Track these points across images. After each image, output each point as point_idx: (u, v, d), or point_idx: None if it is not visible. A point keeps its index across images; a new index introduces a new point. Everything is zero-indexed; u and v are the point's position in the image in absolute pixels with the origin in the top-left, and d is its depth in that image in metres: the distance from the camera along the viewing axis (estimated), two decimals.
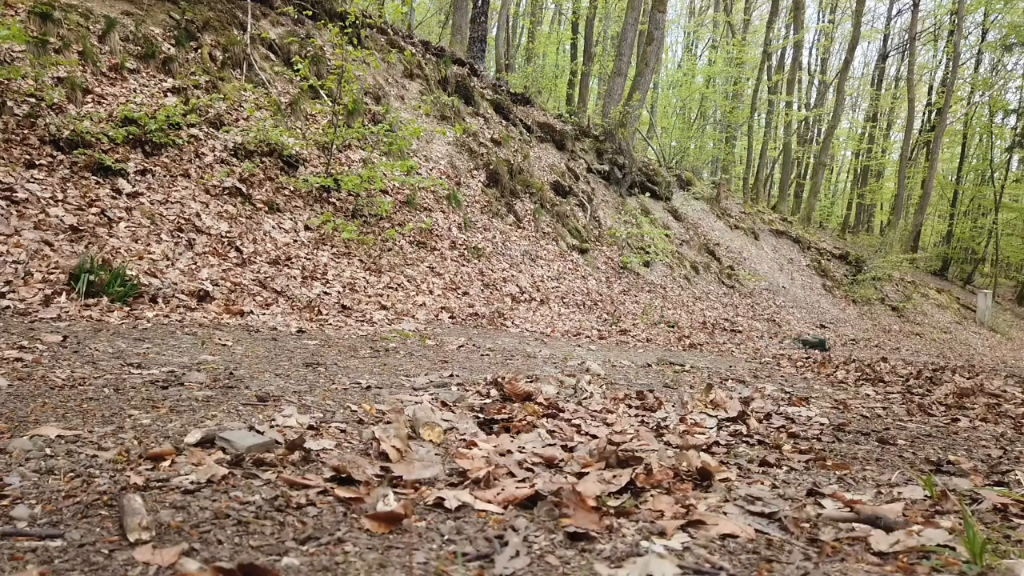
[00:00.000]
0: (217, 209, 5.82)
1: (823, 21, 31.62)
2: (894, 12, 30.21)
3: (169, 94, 6.61)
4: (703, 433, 2.12)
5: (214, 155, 6.36)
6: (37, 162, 4.93)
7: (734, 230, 16.38)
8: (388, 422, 1.87)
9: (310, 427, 1.80)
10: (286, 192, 6.72)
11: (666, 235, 12.82)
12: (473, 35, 13.62)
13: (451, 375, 3.03)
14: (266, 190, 6.52)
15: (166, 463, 1.39)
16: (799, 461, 1.82)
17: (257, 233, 5.94)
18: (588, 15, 20.96)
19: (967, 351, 13.76)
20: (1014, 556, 1.15)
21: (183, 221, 5.40)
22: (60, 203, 4.75)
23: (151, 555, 0.98)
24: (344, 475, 1.38)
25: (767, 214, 19.82)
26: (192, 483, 1.29)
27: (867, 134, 31.53)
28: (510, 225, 9.58)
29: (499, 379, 2.69)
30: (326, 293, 5.66)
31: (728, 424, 2.31)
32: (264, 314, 4.63)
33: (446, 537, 1.14)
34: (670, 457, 1.69)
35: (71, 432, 1.54)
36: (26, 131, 5.12)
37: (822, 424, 2.45)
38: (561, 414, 2.26)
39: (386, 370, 3.03)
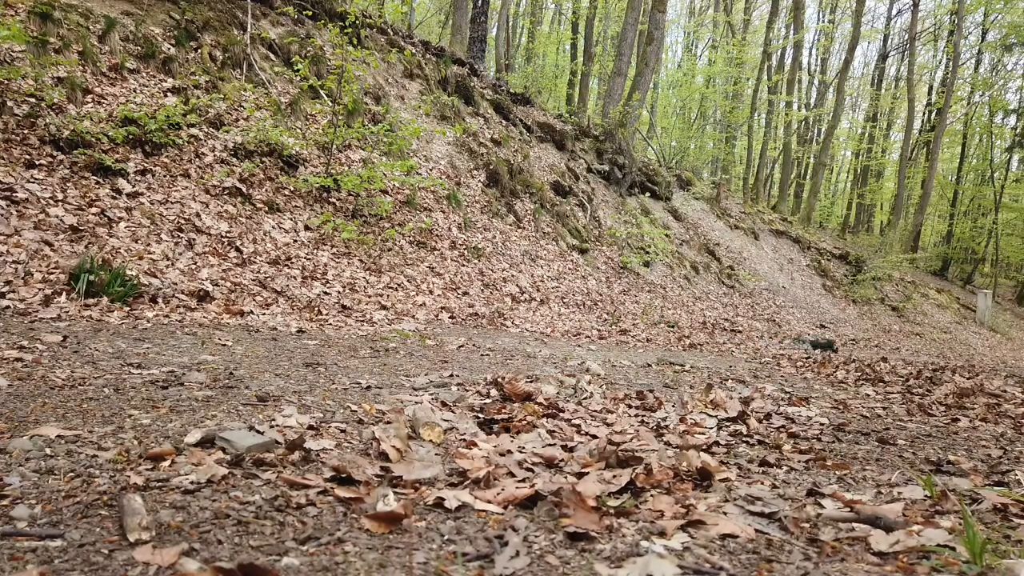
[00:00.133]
0: (217, 209, 5.82)
1: (823, 21, 31.63)
2: (894, 12, 30.24)
3: (169, 94, 6.61)
4: (703, 433, 2.12)
5: (214, 155, 6.36)
6: (37, 162, 4.93)
7: (734, 230, 16.38)
8: (388, 422, 1.87)
9: (310, 427, 1.80)
10: (286, 192, 6.72)
11: (666, 235, 12.82)
12: (473, 35, 13.62)
13: (451, 375, 3.03)
14: (266, 190, 6.52)
15: (166, 463, 1.39)
16: (799, 461, 1.82)
17: (257, 233, 5.94)
18: (588, 15, 20.96)
19: (967, 351, 13.76)
20: (1014, 556, 1.15)
21: (183, 221, 5.40)
22: (60, 203, 4.75)
23: (151, 555, 0.98)
24: (344, 475, 1.38)
25: (767, 214, 19.82)
26: (192, 483, 1.29)
27: (867, 134, 31.53)
28: (510, 225, 9.58)
29: (499, 379, 2.69)
30: (326, 293, 5.66)
31: (728, 424, 2.31)
32: (264, 314, 4.63)
33: (446, 537, 1.14)
34: (670, 457, 1.69)
35: (71, 432, 1.54)
36: (26, 131, 5.12)
37: (822, 424, 2.45)
38: (561, 414, 2.26)
39: (386, 370, 3.03)
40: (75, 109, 5.65)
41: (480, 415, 2.14)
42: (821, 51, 30.93)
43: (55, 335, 2.92)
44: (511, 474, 1.51)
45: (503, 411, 2.19)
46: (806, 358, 6.05)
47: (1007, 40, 24.88)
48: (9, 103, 5.17)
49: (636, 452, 1.73)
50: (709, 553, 1.11)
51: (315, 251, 6.27)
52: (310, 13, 8.93)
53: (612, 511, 1.28)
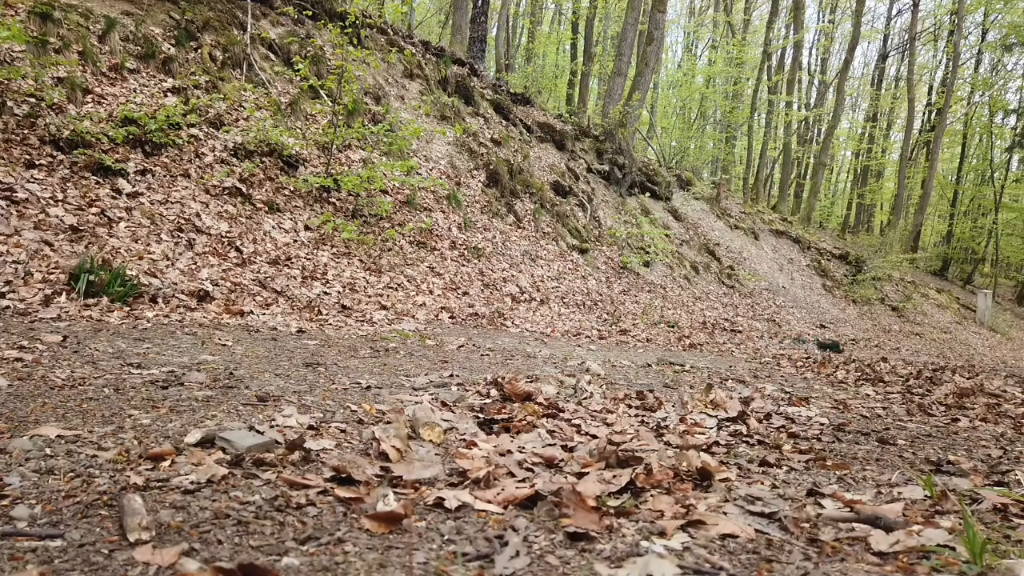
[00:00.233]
0: (217, 209, 5.82)
1: (823, 21, 31.62)
2: (894, 12, 30.25)
3: (169, 94, 6.61)
4: (703, 433, 2.12)
5: (214, 155, 6.36)
6: (37, 162, 4.93)
7: (734, 230, 16.38)
8: (388, 422, 1.87)
9: (310, 427, 1.80)
10: (286, 192, 6.72)
11: (666, 235, 12.82)
12: (473, 35, 13.62)
13: (451, 375, 3.03)
14: (266, 190, 6.52)
15: (166, 463, 1.39)
16: (799, 461, 1.82)
17: (257, 233, 5.94)
18: (588, 15, 20.96)
19: (967, 351, 13.76)
20: (1014, 556, 1.15)
21: (183, 221, 5.40)
22: (60, 203, 4.75)
23: (151, 555, 0.98)
24: (344, 475, 1.38)
25: (767, 214, 19.82)
26: (192, 483, 1.29)
27: (867, 134, 31.53)
28: (510, 225, 9.58)
29: (499, 379, 2.69)
30: (326, 293, 5.66)
31: (728, 424, 2.31)
32: (264, 314, 4.63)
33: (446, 537, 1.14)
34: (670, 457, 1.69)
35: (71, 432, 1.54)
36: (26, 131, 5.12)
37: (822, 424, 2.45)
38: (561, 414, 2.26)
39: (386, 370, 3.03)
40: (75, 109, 5.65)
41: (480, 415, 2.14)
42: (821, 51, 30.94)
43: (55, 335, 2.92)
44: (511, 474, 1.51)
45: (503, 411, 2.19)
46: (806, 358, 6.05)
47: (1007, 40, 24.88)
48: (9, 103, 5.17)
49: (636, 452, 1.73)
50: (709, 553, 1.11)
51: (315, 251, 6.27)
52: (310, 13, 8.93)
53: (612, 511, 1.28)
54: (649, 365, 4.29)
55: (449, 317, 6.10)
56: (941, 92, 26.53)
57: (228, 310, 4.47)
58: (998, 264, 28.94)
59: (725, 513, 1.31)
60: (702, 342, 7.09)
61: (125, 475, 1.30)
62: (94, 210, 4.89)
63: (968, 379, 4.79)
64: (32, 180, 4.75)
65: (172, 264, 4.87)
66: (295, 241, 6.22)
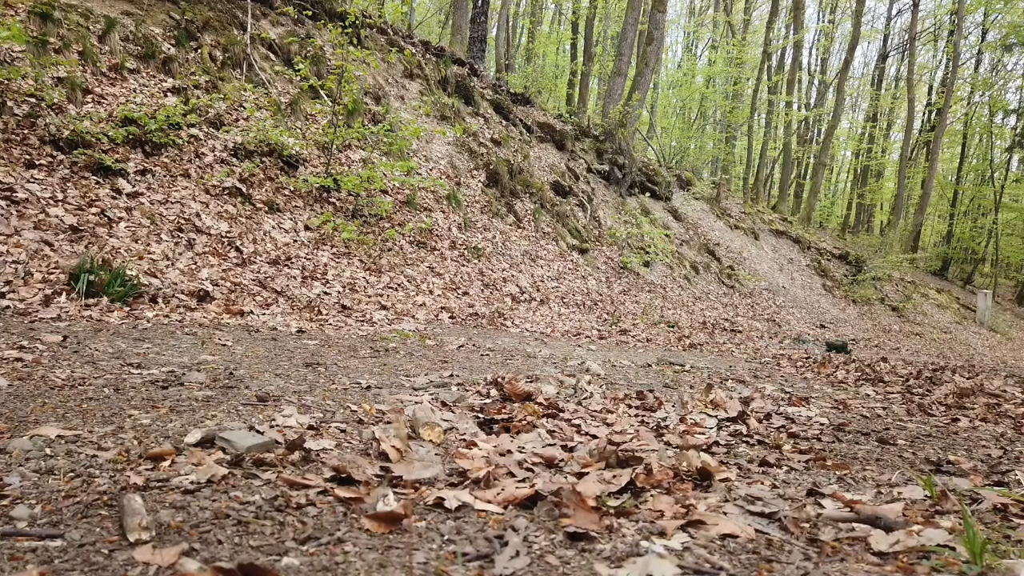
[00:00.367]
0: (217, 209, 5.82)
1: (823, 21, 31.62)
2: (894, 12, 30.25)
3: (169, 94, 6.61)
4: (703, 433, 2.12)
5: (214, 155, 6.36)
6: (37, 162, 4.93)
7: (734, 230, 16.38)
8: (388, 422, 1.87)
9: (310, 427, 1.80)
10: (286, 192, 6.72)
11: (666, 235, 12.82)
12: (473, 35, 13.62)
13: (451, 375, 3.03)
14: (266, 190, 6.52)
15: (166, 463, 1.39)
16: (799, 461, 1.82)
17: (257, 233, 5.94)
18: (588, 15, 20.96)
19: (967, 351, 13.76)
20: (1014, 556, 1.15)
21: (183, 221, 5.40)
22: (60, 203, 4.75)
23: (151, 555, 0.98)
24: (344, 475, 1.38)
25: (767, 214, 19.82)
26: (192, 483, 1.29)
27: (867, 134, 31.53)
28: (510, 225, 9.58)
29: (499, 379, 2.69)
30: (326, 293, 5.66)
31: (728, 424, 2.31)
32: (264, 314, 4.63)
33: (446, 537, 1.13)
34: (670, 457, 1.69)
35: (71, 432, 1.54)
36: (26, 131, 5.12)
37: (822, 424, 2.45)
38: (561, 414, 2.26)
39: (386, 370, 3.03)
40: (75, 109, 5.65)
41: (480, 415, 2.14)
42: (821, 51, 30.94)
43: (55, 335, 2.92)
44: (511, 474, 1.51)
45: (503, 411, 2.19)
46: (806, 358, 6.05)
47: (1007, 40, 24.88)
48: (9, 103, 5.17)
49: (636, 452, 1.73)
50: (709, 553, 1.11)
51: (315, 251, 6.27)
52: (310, 13, 8.93)
53: (612, 511, 1.28)
54: (649, 365, 4.29)
55: (449, 317, 6.10)
56: (941, 92, 26.53)
57: (228, 310, 4.47)
58: (998, 264, 28.94)
59: (725, 513, 1.31)
60: (702, 342, 7.09)
61: (125, 475, 1.30)
62: (94, 210, 4.89)
63: (968, 379, 4.79)
64: (32, 180, 4.75)
65: (172, 264, 4.87)
66: (295, 241, 6.22)
